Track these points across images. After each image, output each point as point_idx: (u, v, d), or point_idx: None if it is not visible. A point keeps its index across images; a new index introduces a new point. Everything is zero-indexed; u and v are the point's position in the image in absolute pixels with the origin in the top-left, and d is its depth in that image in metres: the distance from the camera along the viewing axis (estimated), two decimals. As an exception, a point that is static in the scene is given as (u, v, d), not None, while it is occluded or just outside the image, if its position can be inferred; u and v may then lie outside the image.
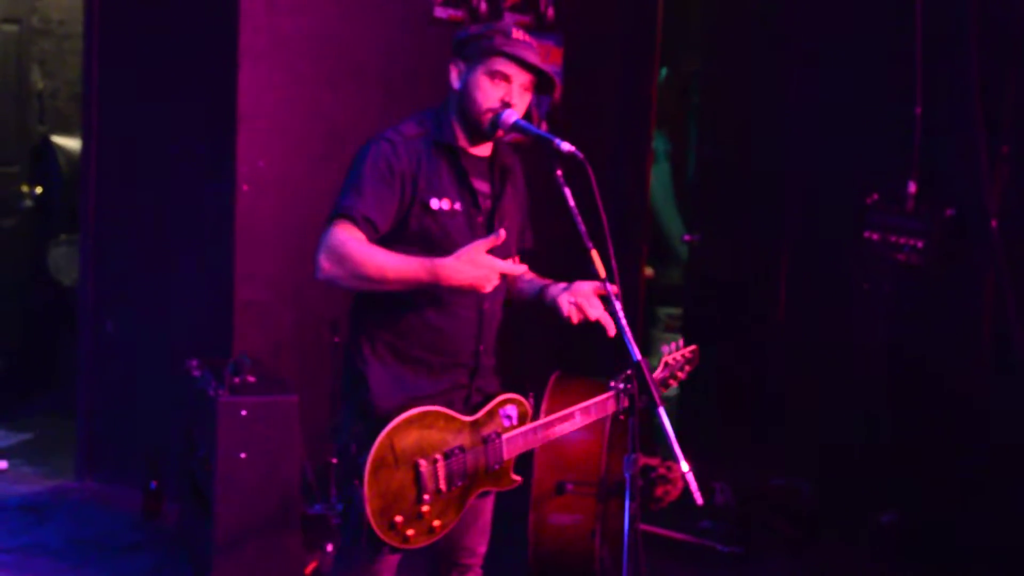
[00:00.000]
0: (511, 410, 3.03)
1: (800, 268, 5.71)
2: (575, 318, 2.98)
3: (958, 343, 4.83)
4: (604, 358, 3.65)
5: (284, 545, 4.30)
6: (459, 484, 2.92)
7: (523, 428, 3.02)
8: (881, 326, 5.15)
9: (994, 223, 4.56)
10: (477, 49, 2.97)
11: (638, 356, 2.69)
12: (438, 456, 2.88)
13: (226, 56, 5.05)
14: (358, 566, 2.99)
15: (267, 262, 5.16)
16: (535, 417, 3.07)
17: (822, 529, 5.21)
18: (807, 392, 5.58)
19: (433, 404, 2.91)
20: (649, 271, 7.07)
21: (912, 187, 4.81)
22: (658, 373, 3.24)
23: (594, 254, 2.79)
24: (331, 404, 4.59)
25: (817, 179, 5.57)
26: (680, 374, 3.32)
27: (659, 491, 4.75)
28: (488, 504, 3.19)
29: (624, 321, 2.74)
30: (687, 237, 6.43)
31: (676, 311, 7.61)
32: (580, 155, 2.82)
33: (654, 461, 4.83)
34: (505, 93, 2.96)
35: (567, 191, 2.85)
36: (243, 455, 4.23)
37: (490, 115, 2.95)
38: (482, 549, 3.23)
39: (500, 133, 2.98)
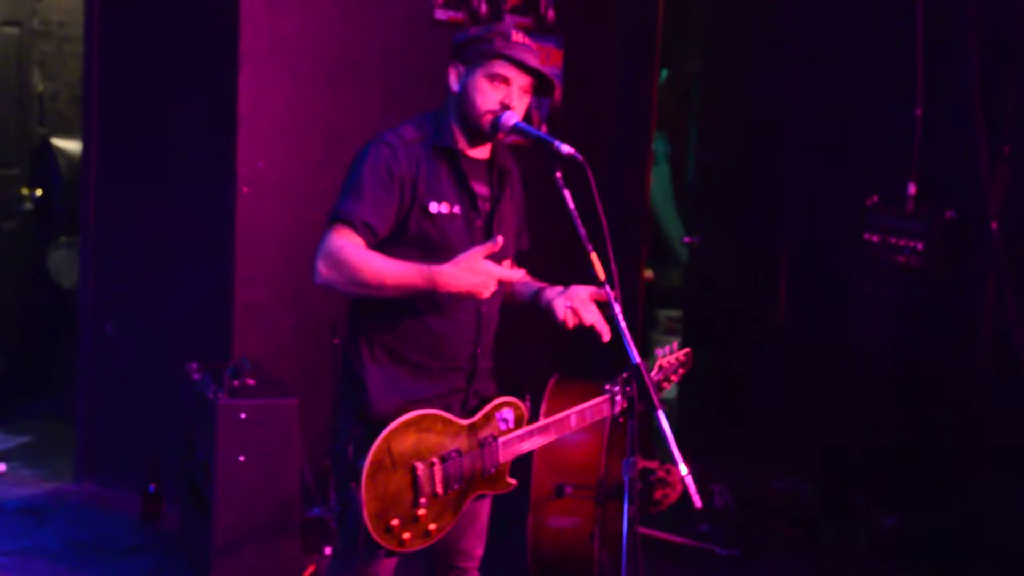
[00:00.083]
0: (507, 413, 3.03)
1: (800, 270, 5.72)
2: (570, 322, 2.97)
3: (958, 345, 4.83)
4: (604, 361, 3.64)
5: (283, 548, 4.30)
6: (456, 487, 2.92)
7: (519, 431, 3.02)
8: (881, 327, 5.15)
9: (994, 225, 4.55)
10: (476, 52, 2.97)
11: (637, 359, 2.69)
12: (435, 459, 2.87)
13: (226, 58, 5.05)
14: (355, 569, 2.98)
15: (267, 264, 5.16)
16: (532, 420, 3.07)
17: (822, 530, 5.21)
18: (807, 392, 5.58)
19: (430, 407, 2.91)
20: (649, 273, 7.07)
21: (912, 188, 4.81)
22: (653, 375, 3.24)
23: (594, 256, 2.79)
24: (331, 407, 4.59)
25: (817, 180, 5.57)
26: (674, 377, 3.32)
27: (658, 494, 4.75)
28: (485, 507, 3.18)
29: (623, 324, 2.74)
30: (687, 239, 6.43)
31: (676, 313, 7.61)
32: (580, 157, 2.82)
33: (653, 464, 4.83)
34: (505, 95, 2.95)
35: (567, 193, 2.85)
36: (242, 458, 4.22)
37: (490, 117, 2.95)
38: (479, 552, 3.23)
39: (500, 135, 2.98)
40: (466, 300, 2.93)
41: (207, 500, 4.30)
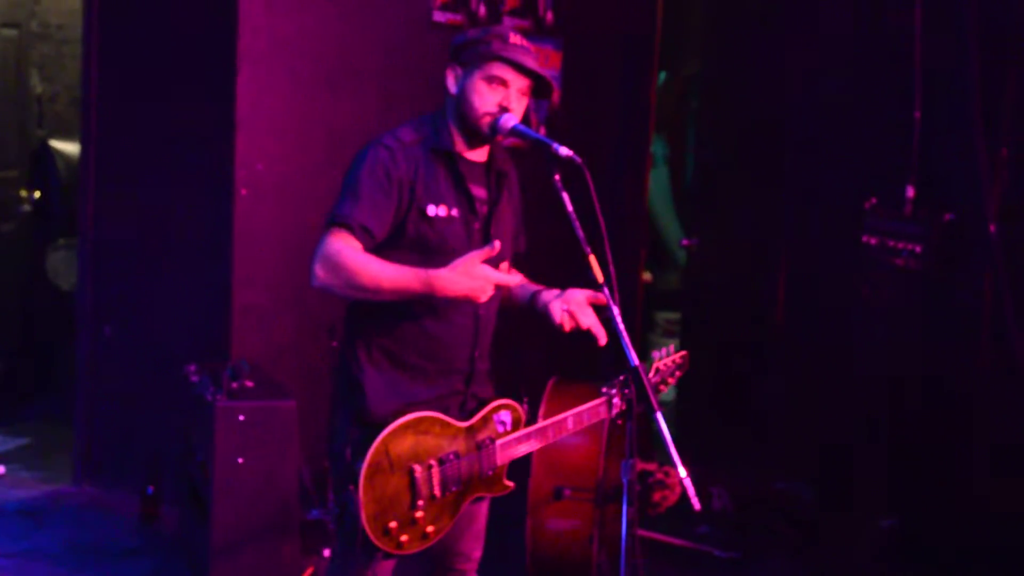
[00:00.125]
0: (505, 416, 3.03)
1: (798, 272, 5.72)
2: (567, 326, 2.97)
3: (957, 346, 4.83)
4: (602, 363, 3.64)
5: (281, 550, 4.30)
6: (453, 490, 2.91)
7: (517, 434, 3.02)
8: (880, 329, 5.15)
9: (993, 227, 4.55)
10: (474, 54, 2.97)
11: (636, 361, 2.69)
12: (433, 462, 2.87)
13: (225, 60, 5.05)
14: (353, 571, 2.98)
15: (266, 266, 5.15)
16: (530, 422, 3.07)
17: (822, 531, 5.21)
18: (807, 393, 5.57)
19: (428, 410, 2.91)
20: (647, 275, 7.07)
21: (910, 191, 4.80)
22: (649, 378, 3.24)
23: (592, 258, 2.79)
24: (330, 409, 4.58)
25: (816, 183, 5.57)
26: (671, 379, 3.32)
27: (657, 496, 4.74)
28: (482, 509, 3.18)
29: (622, 326, 2.74)
30: (685, 241, 6.43)
31: (674, 315, 7.61)
32: (578, 159, 2.82)
33: (652, 466, 4.82)
34: (503, 98, 2.95)
35: (565, 195, 2.85)
36: (241, 460, 4.22)
37: (488, 119, 2.95)
38: (476, 554, 3.22)
39: (498, 138, 2.98)
40: (463, 304, 2.94)
41: (206, 502, 4.30)
